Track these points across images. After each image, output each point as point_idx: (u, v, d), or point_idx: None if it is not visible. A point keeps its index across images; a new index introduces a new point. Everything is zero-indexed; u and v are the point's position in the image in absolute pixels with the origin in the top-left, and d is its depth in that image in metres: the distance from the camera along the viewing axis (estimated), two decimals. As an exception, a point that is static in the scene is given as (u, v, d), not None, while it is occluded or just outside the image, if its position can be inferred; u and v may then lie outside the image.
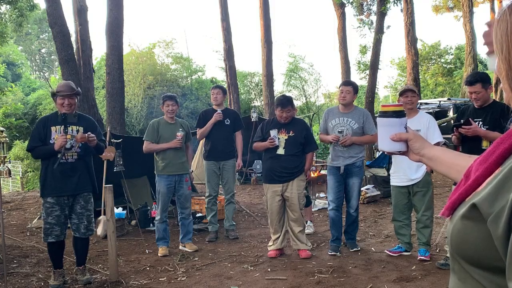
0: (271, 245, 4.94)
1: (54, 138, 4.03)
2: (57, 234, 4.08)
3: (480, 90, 4.00)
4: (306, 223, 6.00)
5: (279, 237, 4.89)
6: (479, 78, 4.04)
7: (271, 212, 4.87)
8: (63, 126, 4.05)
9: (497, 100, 4.30)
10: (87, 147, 4.16)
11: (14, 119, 20.98)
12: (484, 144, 3.90)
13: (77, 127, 4.14)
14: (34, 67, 39.16)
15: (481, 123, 4.06)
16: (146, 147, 5.16)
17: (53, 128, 4.10)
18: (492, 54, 1.13)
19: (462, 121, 4.10)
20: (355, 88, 4.91)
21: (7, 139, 4.07)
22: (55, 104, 4.25)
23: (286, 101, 4.79)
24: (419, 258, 4.48)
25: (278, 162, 4.77)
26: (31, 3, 12.84)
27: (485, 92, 4.02)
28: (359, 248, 4.98)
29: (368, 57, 18.26)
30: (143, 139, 5.22)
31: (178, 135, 5.05)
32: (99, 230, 6.04)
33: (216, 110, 5.70)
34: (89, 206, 4.24)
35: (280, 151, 4.75)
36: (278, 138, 4.77)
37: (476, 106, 4.13)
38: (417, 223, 4.61)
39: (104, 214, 5.19)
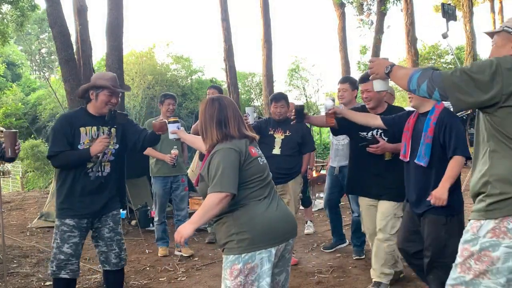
0: None
1: (83, 143, 3.12)
2: (73, 268, 3.14)
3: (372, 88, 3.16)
4: (306, 223, 6.00)
5: None
6: (285, 96, 3.64)
7: None
8: (95, 127, 3.17)
9: None
10: (121, 152, 3.31)
11: (14, 119, 20.96)
12: (387, 155, 3.48)
13: (107, 127, 3.20)
14: (34, 67, 39.14)
15: (380, 132, 3.53)
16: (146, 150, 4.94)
17: (82, 130, 3.14)
18: (376, 79, 2.41)
19: (365, 135, 3.57)
20: (352, 83, 4.52)
21: (7, 139, 4.05)
22: (91, 99, 3.18)
23: (279, 96, 4.64)
24: None
25: (273, 162, 4.27)
26: (32, 3, 12.84)
27: (376, 93, 3.31)
28: (362, 257, 4.65)
29: (368, 57, 18.26)
30: None
31: (172, 153, 4.86)
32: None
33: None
34: (119, 228, 3.32)
35: (276, 151, 4.47)
36: (275, 138, 4.51)
37: (369, 108, 3.61)
38: None
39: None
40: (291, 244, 2.40)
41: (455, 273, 2.06)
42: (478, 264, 1.96)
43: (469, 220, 2.06)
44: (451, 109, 2.25)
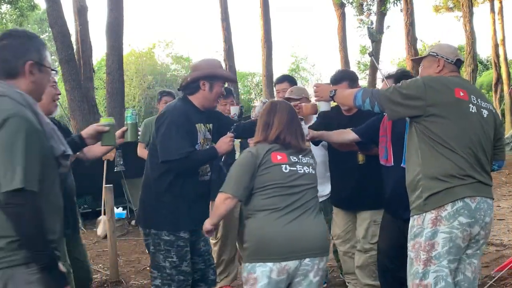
0: None
1: (200, 142, 2.63)
2: None
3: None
4: None
5: None
6: (347, 76, 3.25)
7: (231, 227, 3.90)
8: (202, 123, 2.67)
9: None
10: None
11: (14, 119, 20.99)
12: (360, 158, 3.19)
13: (209, 124, 2.76)
14: (34, 67, 39.23)
15: None
16: (139, 152, 4.53)
17: (198, 126, 2.64)
18: (321, 101, 2.87)
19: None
20: (292, 81, 3.95)
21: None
22: (199, 90, 2.65)
23: (226, 91, 4.21)
24: None
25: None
26: (32, 3, 12.87)
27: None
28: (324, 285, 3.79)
29: (368, 57, 18.29)
30: (137, 141, 4.26)
31: None
32: (99, 230, 6.04)
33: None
34: (209, 239, 2.89)
35: (238, 156, 3.85)
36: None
37: (345, 113, 3.30)
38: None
39: (104, 214, 5.19)
40: (309, 265, 2.19)
41: (412, 268, 2.29)
42: (425, 253, 2.23)
43: (412, 216, 2.35)
44: None
